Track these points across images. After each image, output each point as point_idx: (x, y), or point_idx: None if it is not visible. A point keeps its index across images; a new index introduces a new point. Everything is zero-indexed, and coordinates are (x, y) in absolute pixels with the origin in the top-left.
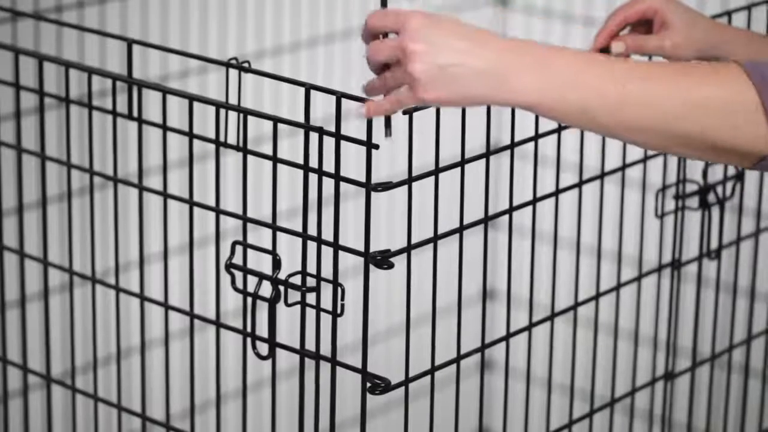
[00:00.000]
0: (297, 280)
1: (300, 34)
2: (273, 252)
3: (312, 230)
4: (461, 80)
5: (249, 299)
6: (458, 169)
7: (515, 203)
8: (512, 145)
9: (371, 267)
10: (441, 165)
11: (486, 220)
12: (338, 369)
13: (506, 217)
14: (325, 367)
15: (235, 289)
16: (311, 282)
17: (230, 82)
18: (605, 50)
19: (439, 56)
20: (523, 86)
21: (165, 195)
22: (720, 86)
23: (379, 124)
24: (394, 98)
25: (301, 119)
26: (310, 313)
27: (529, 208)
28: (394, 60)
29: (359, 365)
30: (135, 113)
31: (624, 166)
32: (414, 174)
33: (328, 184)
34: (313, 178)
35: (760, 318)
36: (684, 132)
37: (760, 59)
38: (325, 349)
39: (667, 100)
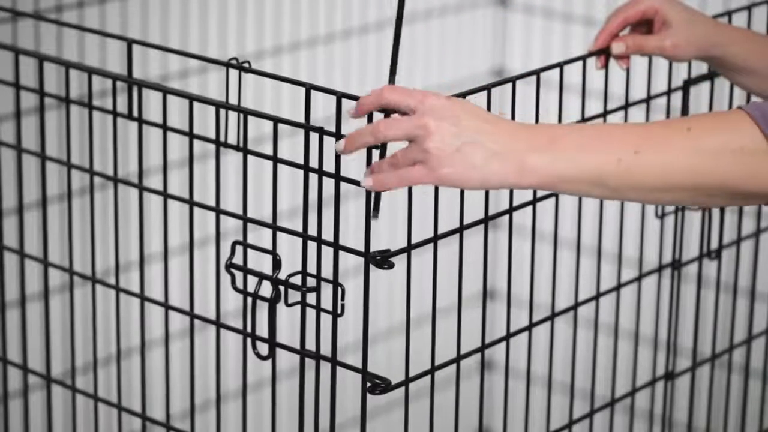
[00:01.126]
0: (297, 280)
1: (300, 34)
2: (273, 252)
3: (312, 230)
4: (477, 160)
5: (249, 299)
6: None
7: (516, 203)
8: None
9: (372, 267)
10: None
11: (486, 220)
12: (338, 369)
13: (507, 217)
14: (326, 367)
15: (236, 289)
16: (311, 282)
17: (230, 82)
18: (605, 50)
19: (457, 135)
20: (536, 166)
21: (165, 195)
22: (728, 134)
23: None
24: (404, 174)
25: (302, 119)
26: (311, 313)
27: (530, 208)
28: (408, 138)
29: (359, 365)
30: (135, 113)
31: None
32: None
33: (329, 184)
34: (313, 178)
35: (761, 318)
36: (702, 185)
37: (761, 64)
38: (326, 349)
39: (680, 158)
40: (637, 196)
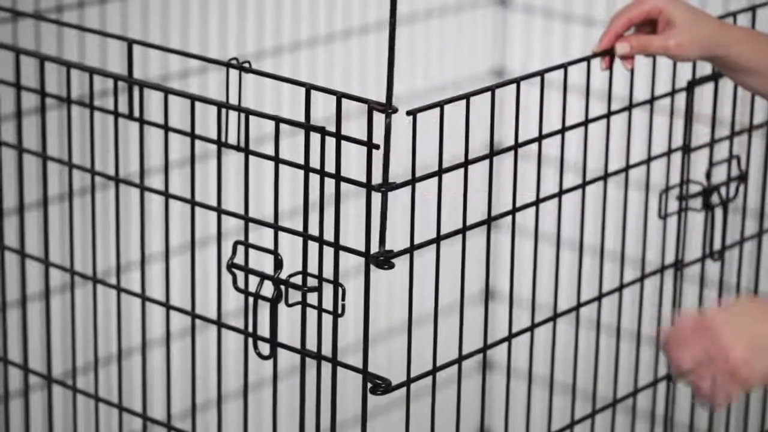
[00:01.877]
0: (298, 280)
1: (300, 34)
2: (275, 252)
3: (313, 230)
4: (765, 361)
5: (250, 299)
6: (461, 170)
7: (518, 204)
8: (515, 146)
9: (372, 267)
10: (444, 166)
11: (489, 220)
12: (339, 369)
13: (509, 217)
14: (327, 367)
15: (237, 288)
16: (312, 282)
17: (231, 82)
18: (609, 51)
19: (746, 348)
20: None
21: (166, 195)
22: None
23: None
24: (725, 393)
25: (302, 119)
26: (312, 313)
27: (532, 208)
28: (703, 355)
29: (360, 365)
30: (136, 113)
31: (627, 167)
32: (416, 175)
33: (331, 183)
34: (314, 178)
35: None
36: None
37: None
38: (327, 349)
39: None
40: None
